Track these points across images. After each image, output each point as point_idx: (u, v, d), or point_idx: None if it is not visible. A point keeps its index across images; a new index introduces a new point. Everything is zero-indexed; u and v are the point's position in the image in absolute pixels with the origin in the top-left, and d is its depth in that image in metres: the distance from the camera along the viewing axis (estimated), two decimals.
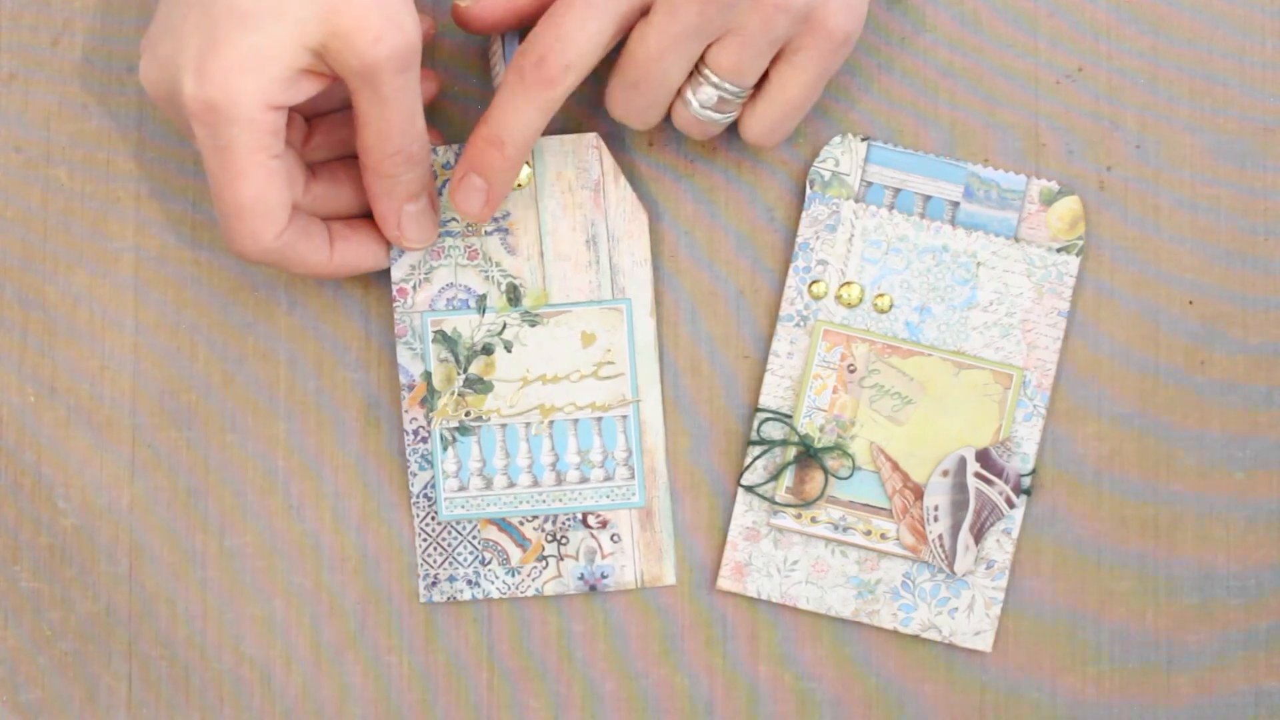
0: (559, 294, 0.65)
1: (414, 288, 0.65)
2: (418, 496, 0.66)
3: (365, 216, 0.64)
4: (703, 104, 0.62)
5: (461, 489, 0.65)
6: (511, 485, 0.65)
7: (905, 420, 0.65)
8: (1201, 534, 0.66)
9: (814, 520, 0.65)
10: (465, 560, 0.66)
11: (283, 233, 0.60)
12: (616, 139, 0.67)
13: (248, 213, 0.59)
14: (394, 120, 0.59)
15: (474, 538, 0.66)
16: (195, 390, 0.67)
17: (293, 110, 0.62)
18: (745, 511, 0.66)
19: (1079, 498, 0.66)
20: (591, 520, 0.66)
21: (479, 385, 0.65)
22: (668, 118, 0.63)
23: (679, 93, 0.62)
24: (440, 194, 0.65)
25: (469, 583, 0.66)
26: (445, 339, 0.65)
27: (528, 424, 0.65)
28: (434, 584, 0.66)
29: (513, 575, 0.66)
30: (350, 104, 0.62)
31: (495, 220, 0.65)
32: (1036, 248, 0.65)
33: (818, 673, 0.66)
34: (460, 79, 0.67)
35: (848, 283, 0.65)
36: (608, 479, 0.65)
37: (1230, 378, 0.66)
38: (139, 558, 0.67)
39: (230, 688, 0.66)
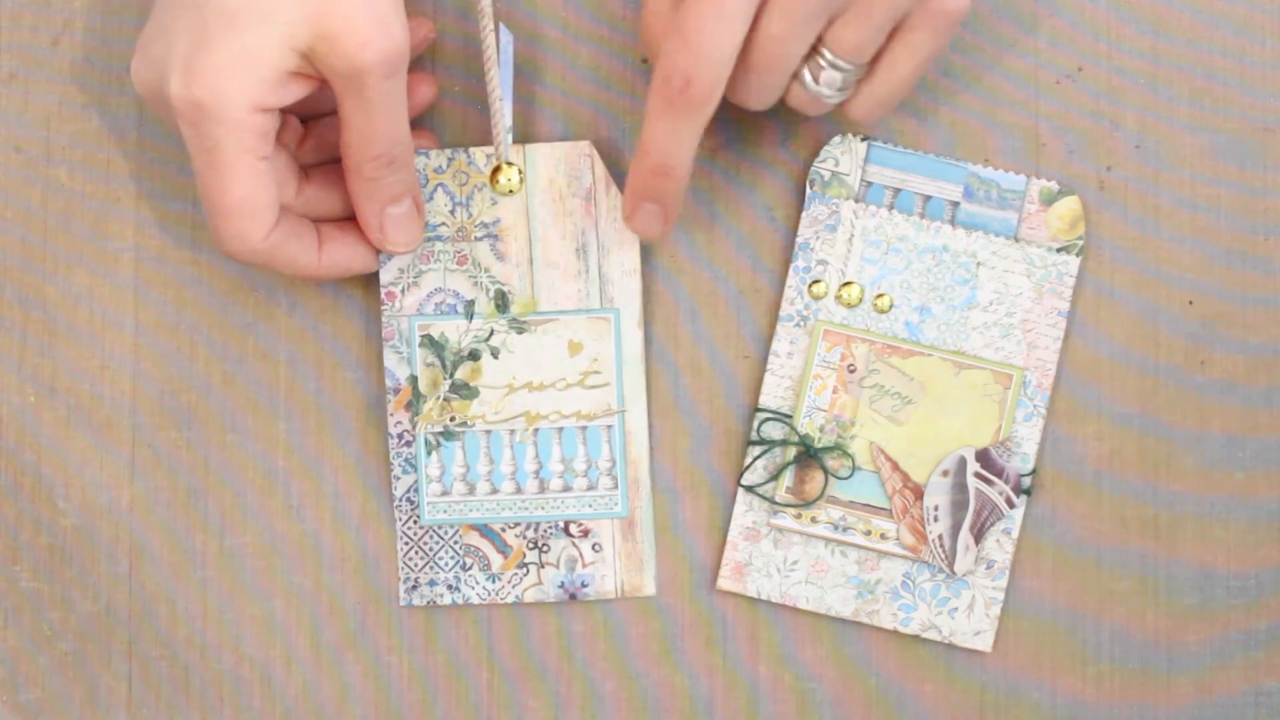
0: (547, 302, 0.65)
1: (402, 291, 0.65)
2: (400, 500, 0.66)
3: (355, 218, 0.64)
4: (825, 83, 0.61)
5: (444, 494, 0.65)
6: (494, 492, 0.65)
7: (905, 420, 0.65)
8: (1201, 534, 0.66)
9: (814, 520, 0.65)
10: (446, 565, 0.66)
11: (270, 234, 0.60)
12: (614, 142, 0.67)
13: (234, 214, 0.59)
14: (378, 124, 0.59)
15: (455, 543, 0.66)
16: (195, 390, 0.67)
17: (287, 112, 0.63)
18: (745, 511, 0.65)
19: (1079, 498, 0.66)
20: (573, 529, 0.66)
21: (465, 391, 0.65)
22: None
23: (795, 74, 0.61)
24: (429, 199, 0.65)
25: (449, 587, 0.66)
26: (432, 343, 0.65)
27: (512, 431, 0.65)
28: (414, 588, 0.66)
29: (493, 581, 0.66)
30: None
31: (485, 226, 0.65)
32: (1036, 248, 0.65)
33: (818, 673, 0.66)
34: (460, 79, 0.67)
35: (848, 283, 0.65)
36: (591, 488, 0.65)
37: (1230, 378, 0.66)
38: (139, 558, 0.67)
39: (230, 688, 0.66)
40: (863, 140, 0.66)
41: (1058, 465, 0.66)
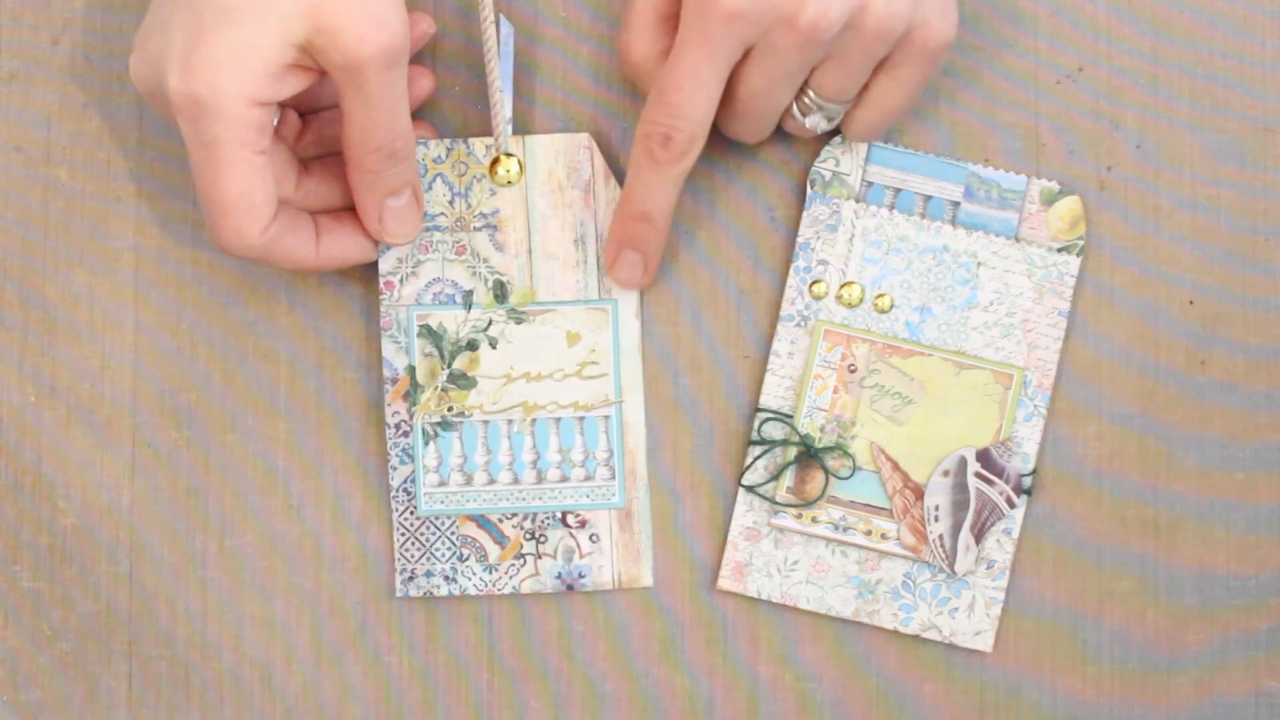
0: (545, 292, 0.65)
1: (401, 281, 0.65)
2: (397, 491, 0.66)
3: (353, 210, 0.64)
4: (813, 120, 0.63)
5: (441, 484, 0.65)
6: (492, 482, 0.65)
7: (906, 420, 0.65)
8: (1201, 534, 0.66)
9: (814, 520, 0.65)
10: (443, 556, 0.66)
11: (268, 228, 0.60)
12: (614, 139, 0.67)
13: (232, 208, 0.59)
14: (378, 117, 0.59)
15: (452, 533, 0.66)
16: (195, 390, 0.67)
17: (286, 106, 0.63)
18: (746, 511, 0.66)
19: (1079, 498, 0.66)
20: (571, 519, 0.66)
21: (462, 381, 0.65)
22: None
23: (785, 110, 0.63)
24: (428, 189, 0.65)
25: (446, 578, 0.66)
26: (430, 333, 0.65)
27: (510, 421, 0.65)
28: (410, 579, 0.66)
29: (490, 572, 0.66)
30: None
31: (484, 216, 0.65)
32: (1037, 248, 0.65)
33: (818, 673, 0.66)
34: (460, 77, 0.67)
35: (848, 283, 0.65)
36: (588, 479, 0.65)
37: (1230, 378, 0.66)
38: (139, 558, 0.67)
39: (231, 687, 0.66)
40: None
41: (1058, 465, 0.66)
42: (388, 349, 0.65)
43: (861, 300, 0.65)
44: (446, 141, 0.65)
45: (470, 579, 0.66)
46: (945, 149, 0.66)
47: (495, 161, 0.65)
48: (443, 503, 0.65)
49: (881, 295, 0.65)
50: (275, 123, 0.60)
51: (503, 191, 0.65)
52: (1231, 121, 0.67)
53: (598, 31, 0.67)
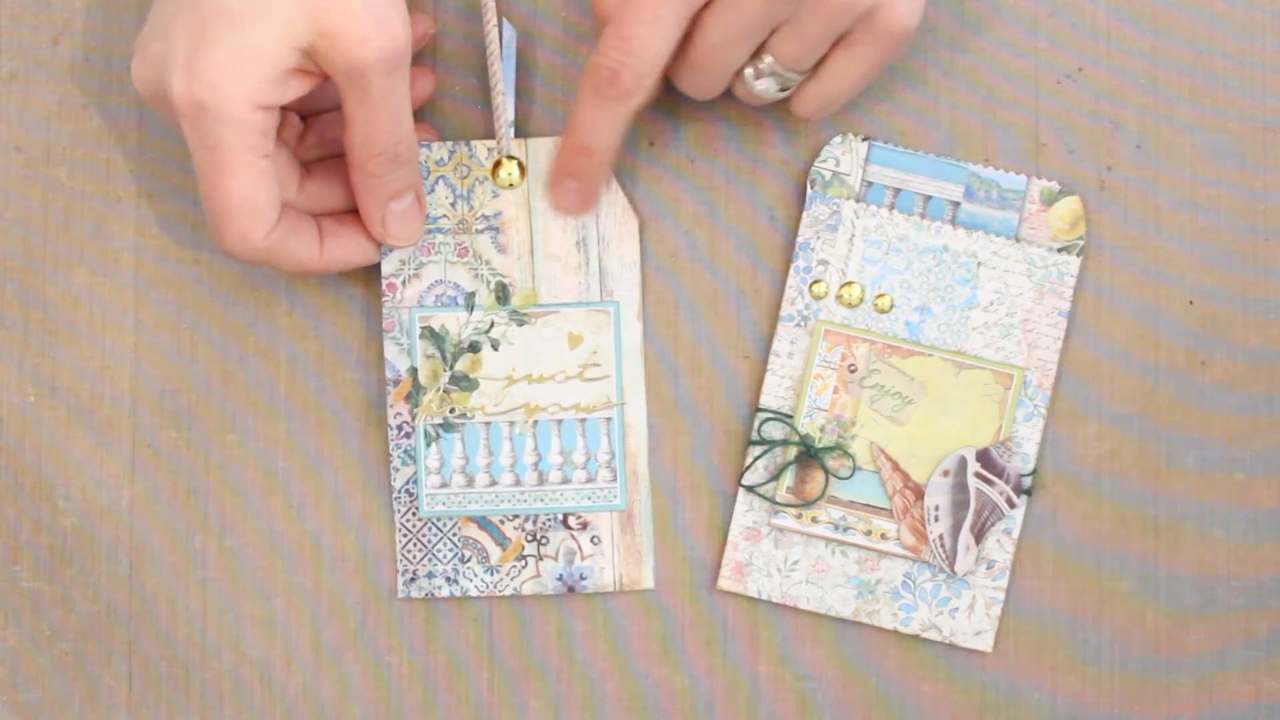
0: (547, 294, 0.65)
1: (403, 283, 0.65)
2: (399, 492, 0.66)
3: (355, 212, 0.64)
4: (764, 86, 0.62)
5: (443, 486, 0.65)
6: (493, 484, 0.65)
7: (906, 420, 0.65)
8: (1201, 535, 0.66)
9: (814, 520, 0.65)
10: (445, 557, 0.66)
11: (272, 232, 0.60)
12: None
13: (236, 212, 0.59)
14: (381, 120, 0.59)
15: (454, 535, 0.66)
16: (195, 390, 0.67)
17: (287, 109, 0.63)
18: (746, 511, 0.66)
19: (1079, 498, 0.66)
20: (572, 521, 0.66)
21: (464, 382, 0.65)
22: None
23: (739, 70, 0.62)
24: (430, 191, 0.65)
25: (448, 580, 0.66)
26: (432, 335, 0.65)
27: (512, 423, 0.65)
28: (413, 580, 0.66)
29: (492, 574, 0.66)
30: None
31: (486, 218, 0.65)
32: (1037, 248, 0.65)
33: (818, 673, 0.66)
34: (459, 78, 0.67)
35: (848, 283, 0.65)
36: (590, 481, 0.65)
37: (1230, 378, 0.66)
38: (139, 558, 0.67)
39: (230, 687, 0.66)
40: (863, 140, 0.66)
41: (1058, 465, 0.66)
42: (390, 351, 0.65)
43: (861, 300, 0.65)
44: (449, 144, 0.65)
45: (472, 580, 0.66)
46: (945, 149, 0.66)
47: (497, 164, 0.65)
48: (445, 504, 0.65)
49: (881, 295, 0.65)
50: (277, 126, 0.60)
51: (505, 193, 0.65)
52: (1231, 121, 0.67)
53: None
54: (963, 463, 0.65)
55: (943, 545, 0.65)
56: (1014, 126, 0.66)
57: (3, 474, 0.67)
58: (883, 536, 0.65)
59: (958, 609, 0.65)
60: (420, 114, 0.66)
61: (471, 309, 0.65)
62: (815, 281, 0.66)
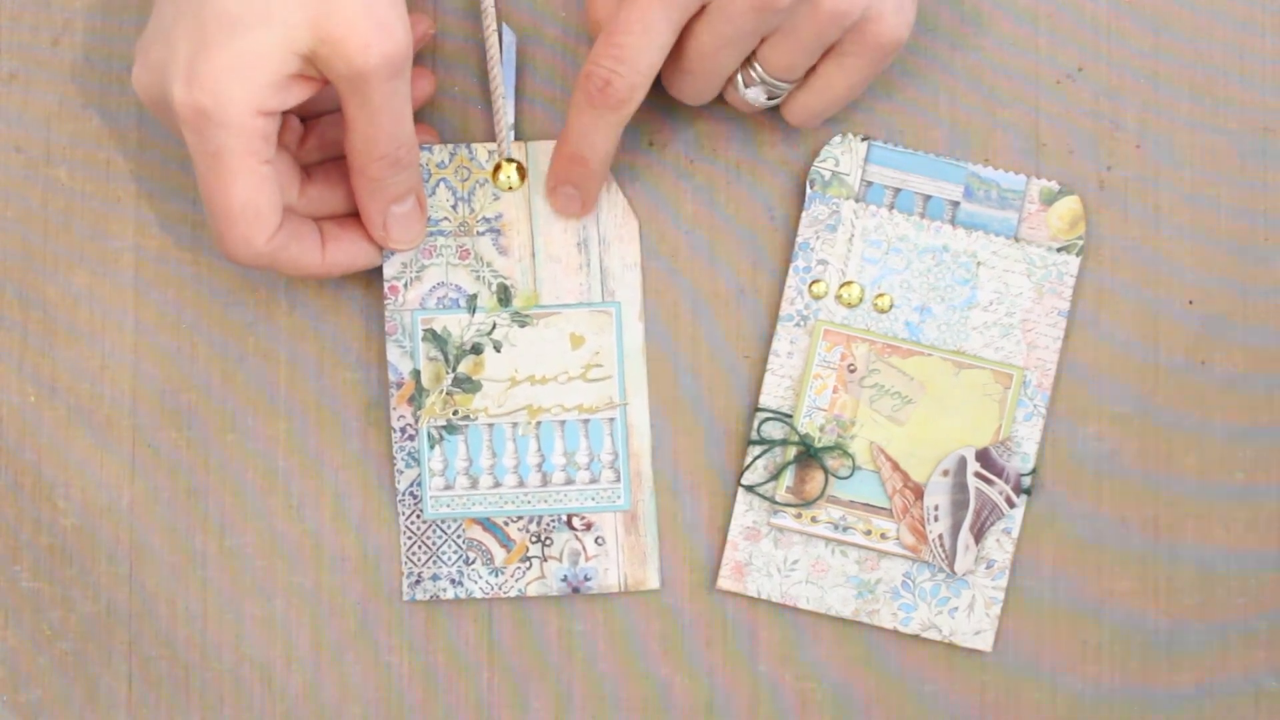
0: (549, 295, 0.65)
1: (405, 286, 0.65)
2: (403, 494, 0.66)
3: (357, 216, 0.64)
4: (752, 97, 0.63)
5: (447, 488, 0.65)
6: (497, 485, 0.65)
7: (905, 420, 0.65)
8: (1202, 534, 0.66)
9: (814, 520, 0.65)
10: (449, 559, 0.66)
11: (274, 236, 0.60)
12: None
13: (238, 218, 0.59)
14: (382, 125, 0.59)
15: (459, 537, 0.66)
16: (195, 390, 0.67)
17: (287, 113, 0.62)
18: (745, 511, 0.66)
19: (1079, 498, 0.66)
20: (576, 522, 0.66)
21: (467, 384, 0.65)
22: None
23: (730, 77, 0.63)
24: (431, 194, 0.65)
25: (452, 582, 0.66)
26: (435, 337, 0.65)
27: (515, 424, 0.65)
28: (417, 582, 0.66)
29: (496, 575, 0.66)
30: None
31: (488, 220, 0.65)
32: (1037, 247, 0.65)
33: (818, 673, 0.66)
34: (459, 78, 0.67)
35: (848, 282, 0.65)
36: (593, 481, 0.65)
37: (1230, 377, 0.66)
38: (139, 558, 0.67)
39: (231, 687, 0.67)
40: (863, 140, 0.66)
41: (1058, 465, 0.66)
42: (392, 353, 0.65)
43: (861, 300, 0.65)
44: (449, 147, 0.65)
45: (476, 582, 0.66)
46: (945, 149, 0.66)
47: (497, 167, 0.65)
48: (449, 506, 0.65)
49: (881, 295, 0.65)
50: (278, 131, 0.60)
51: (505, 196, 0.65)
52: (1231, 121, 0.67)
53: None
54: (962, 462, 0.65)
55: (942, 545, 0.65)
56: (1014, 125, 0.66)
57: (3, 474, 0.67)
58: (882, 536, 0.65)
59: (957, 609, 0.65)
60: (420, 114, 0.66)
61: (473, 311, 0.65)
62: (815, 281, 0.66)
